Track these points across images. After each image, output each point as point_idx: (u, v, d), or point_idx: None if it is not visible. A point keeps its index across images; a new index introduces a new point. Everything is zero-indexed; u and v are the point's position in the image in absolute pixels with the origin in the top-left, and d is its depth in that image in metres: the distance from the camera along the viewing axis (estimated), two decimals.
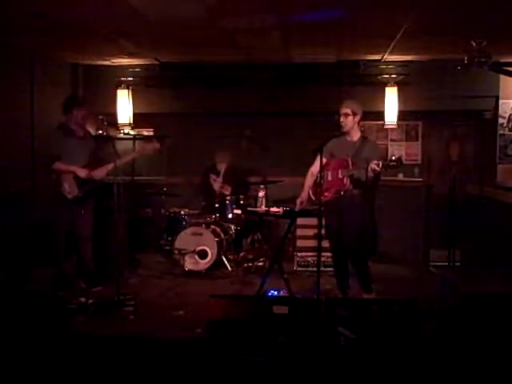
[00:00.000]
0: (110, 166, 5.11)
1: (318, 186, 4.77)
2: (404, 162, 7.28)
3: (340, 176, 4.70)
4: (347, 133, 4.78)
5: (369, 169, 4.39)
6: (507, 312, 3.83)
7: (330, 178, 4.79)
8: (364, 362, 3.38)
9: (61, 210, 5.15)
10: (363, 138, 4.82)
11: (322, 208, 4.30)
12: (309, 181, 4.98)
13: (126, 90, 7.17)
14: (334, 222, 4.78)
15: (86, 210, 5.25)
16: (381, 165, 4.34)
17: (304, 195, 4.95)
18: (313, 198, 4.88)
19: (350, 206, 4.69)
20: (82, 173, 5.12)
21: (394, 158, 4.39)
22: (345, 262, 4.90)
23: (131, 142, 6.27)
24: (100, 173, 5.19)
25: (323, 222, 4.57)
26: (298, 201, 4.96)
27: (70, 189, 5.10)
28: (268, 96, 7.05)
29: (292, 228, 5.46)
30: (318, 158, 4.83)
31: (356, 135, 4.81)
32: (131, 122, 7.23)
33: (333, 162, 4.80)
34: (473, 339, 3.69)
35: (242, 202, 6.41)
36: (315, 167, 4.84)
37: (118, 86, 7.17)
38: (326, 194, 4.69)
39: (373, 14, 4.77)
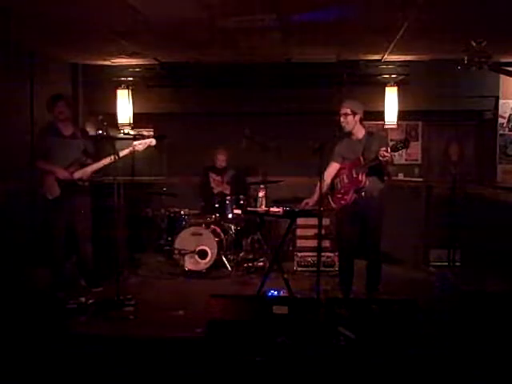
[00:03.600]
0: (95, 166, 5.05)
1: (335, 192, 4.79)
2: (404, 161, 7.40)
3: (355, 175, 4.66)
4: (351, 132, 4.76)
5: (379, 157, 4.38)
6: (507, 312, 3.83)
7: (346, 181, 4.74)
8: (364, 362, 3.38)
9: (51, 211, 5.11)
10: (368, 134, 4.78)
11: (339, 214, 4.25)
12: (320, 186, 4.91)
13: (126, 90, 7.18)
14: (349, 226, 4.76)
15: (84, 209, 5.22)
16: (389, 149, 4.33)
17: (313, 199, 4.81)
18: (333, 205, 4.79)
19: (371, 207, 4.65)
20: (61, 174, 5.01)
21: (399, 140, 4.40)
22: (352, 262, 4.91)
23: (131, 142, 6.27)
24: (83, 174, 5.07)
25: (325, 222, 4.56)
26: (304, 202, 4.85)
27: (50, 189, 5.03)
28: (268, 96, 7.05)
29: (292, 228, 5.45)
30: (330, 164, 4.86)
31: (361, 133, 4.78)
32: (131, 122, 7.23)
33: (346, 165, 4.78)
34: (473, 339, 3.69)
35: (241, 202, 6.41)
36: (328, 174, 4.81)
37: (118, 86, 7.18)
38: (345, 197, 4.68)
39: (373, 14, 4.77)
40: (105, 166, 5.03)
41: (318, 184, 4.52)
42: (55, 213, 5.11)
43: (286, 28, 5.24)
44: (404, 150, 7.23)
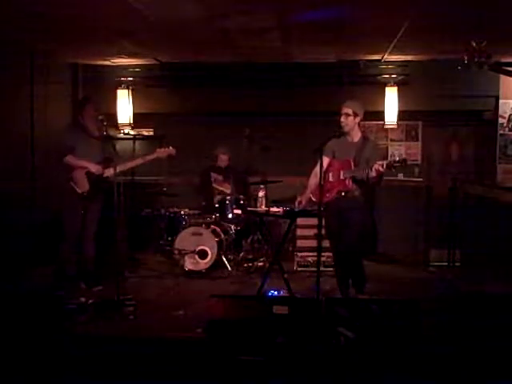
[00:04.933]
0: (121, 166, 5.11)
1: (318, 187, 4.78)
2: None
3: (342, 177, 4.68)
4: (348, 133, 4.75)
5: (372, 169, 4.37)
6: (506, 312, 3.83)
7: (331, 179, 4.77)
8: (364, 362, 3.38)
9: (74, 208, 5.14)
10: (364, 139, 4.80)
11: (323, 208, 4.29)
12: (312, 181, 4.93)
13: (126, 90, 7.19)
14: (335, 223, 4.77)
15: (95, 209, 5.26)
16: (385, 165, 4.33)
17: (305, 196, 4.91)
18: (313, 199, 4.83)
19: (351, 207, 4.68)
20: (95, 168, 5.15)
21: (398, 158, 4.39)
22: (345, 261, 4.90)
23: (131, 142, 6.28)
24: (111, 172, 5.16)
25: (323, 222, 4.56)
26: (297, 201, 4.92)
27: (80, 183, 5.11)
28: (268, 96, 7.05)
29: (292, 228, 5.46)
30: (323, 159, 4.86)
31: (357, 136, 4.79)
32: (131, 121, 7.24)
33: (335, 163, 4.78)
34: (472, 339, 3.69)
35: (241, 202, 6.41)
36: (319, 168, 4.82)
37: (118, 85, 7.18)
38: (327, 194, 4.69)
39: (373, 14, 4.77)
40: (134, 166, 5.31)
41: (310, 180, 4.88)
42: (76, 210, 5.13)
43: (286, 28, 5.24)
44: (404, 150, 7.28)
